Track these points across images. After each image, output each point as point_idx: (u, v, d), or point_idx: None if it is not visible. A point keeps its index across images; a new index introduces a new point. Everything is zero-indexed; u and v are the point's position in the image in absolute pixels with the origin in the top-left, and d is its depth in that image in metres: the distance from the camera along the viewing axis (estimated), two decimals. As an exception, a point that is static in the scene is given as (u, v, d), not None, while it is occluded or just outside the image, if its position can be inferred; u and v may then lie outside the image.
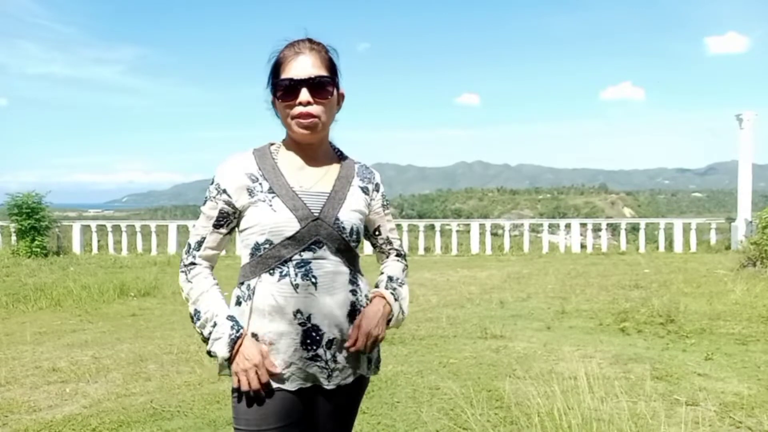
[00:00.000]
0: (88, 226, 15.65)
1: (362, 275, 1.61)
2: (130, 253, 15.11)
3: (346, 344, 1.49)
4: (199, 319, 1.47)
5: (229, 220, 1.52)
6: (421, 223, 16.34)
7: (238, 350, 1.43)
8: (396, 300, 1.61)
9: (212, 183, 1.52)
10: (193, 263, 1.52)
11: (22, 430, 3.43)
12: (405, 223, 15.98)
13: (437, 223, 16.08)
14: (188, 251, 1.53)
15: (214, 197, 1.50)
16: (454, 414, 3.51)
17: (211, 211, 1.51)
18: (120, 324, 6.64)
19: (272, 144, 1.58)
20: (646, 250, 14.94)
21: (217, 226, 1.51)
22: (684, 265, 11.43)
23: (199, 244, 1.52)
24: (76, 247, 15.14)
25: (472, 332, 5.76)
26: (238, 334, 1.44)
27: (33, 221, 13.85)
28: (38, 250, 13.82)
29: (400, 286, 1.64)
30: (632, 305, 6.92)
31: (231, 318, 1.46)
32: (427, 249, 15.66)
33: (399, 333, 5.69)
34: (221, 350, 1.43)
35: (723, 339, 5.40)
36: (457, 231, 16.08)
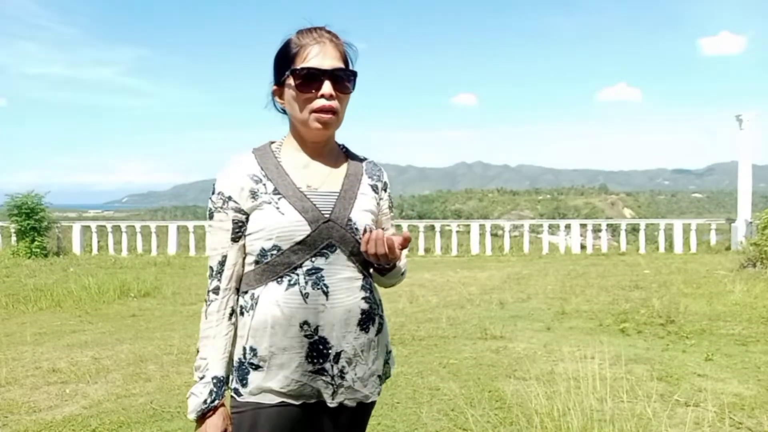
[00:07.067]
0: (88, 226, 15.64)
1: (374, 284, 1.50)
2: (130, 253, 15.10)
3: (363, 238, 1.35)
4: (197, 359, 1.39)
5: (245, 229, 1.39)
6: (421, 224, 16.34)
7: (206, 419, 1.35)
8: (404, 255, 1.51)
9: (214, 193, 1.39)
10: (217, 288, 1.38)
11: (22, 430, 3.44)
12: (405, 224, 15.99)
13: (437, 224, 16.07)
14: (211, 274, 1.39)
15: (221, 207, 1.38)
16: (454, 415, 3.51)
17: (223, 224, 1.38)
18: (120, 325, 6.64)
19: (272, 143, 1.46)
20: (646, 250, 14.93)
21: (235, 239, 1.38)
22: (684, 266, 11.43)
23: (222, 264, 1.38)
24: (76, 248, 15.13)
25: (472, 333, 5.76)
26: (212, 404, 1.35)
27: (33, 222, 13.86)
28: (38, 250, 13.82)
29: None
30: (632, 306, 6.93)
31: (217, 381, 1.35)
32: (427, 250, 15.66)
33: (399, 334, 5.69)
34: (191, 409, 1.36)
35: (723, 340, 5.40)
36: (457, 232, 16.07)
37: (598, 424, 2.91)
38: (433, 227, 16.03)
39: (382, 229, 1.49)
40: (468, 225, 16.64)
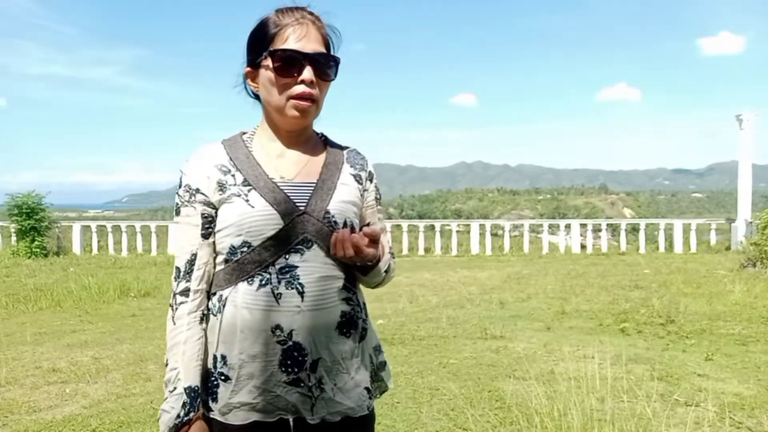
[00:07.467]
0: (88, 226, 15.65)
1: (358, 284, 1.35)
2: (130, 253, 15.10)
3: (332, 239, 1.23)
4: (166, 372, 1.25)
5: (215, 225, 1.26)
6: (421, 224, 16.34)
7: None
8: (388, 251, 1.37)
9: (180, 186, 1.28)
10: (186, 290, 1.25)
11: (22, 430, 3.43)
12: (405, 224, 15.99)
13: (437, 224, 16.08)
14: (178, 276, 1.26)
15: (188, 201, 1.26)
16: (454, 414, 3.51)
17: (191, 219, 1.26)
18: (120, 324, 6.64)
19: (244, 133, 1.34)
20: (646, 250, 14.94)
21: (206, 235, 1.26)
22: (684, 266, 11.43)
23: (191, 263, 1.25)
24: (76, 248, 15.14)
25: (472, 333, 5.76)
26: (186, 418, 1.20)
27: (33, 222, 13.87)
28: (38, 250, 13.83)
29: (389, 252, 1.40)
30: (632, 306, 6.93)
31: (190, 392, 1.21)
32: (427, 249, 15.66)
33: (399, 334, 5.69)
34: (162, 429, 1.22)
35: (723, 339, 5.40)
36: (457, 231, 16.08)
37: (598, 424, 2.91)
38: (433, 227, 16.03)
39: (368, 223, 1.36)
40: (468, 225, 16.65)
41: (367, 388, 1.33)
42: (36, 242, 13.91)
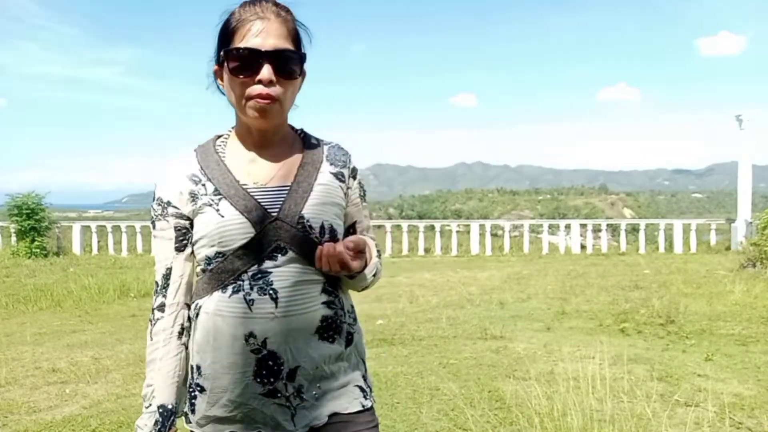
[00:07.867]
0: (88, 226, 15.65)
1: (342, 287, 1.28)
2: (130, 253, 15.10)
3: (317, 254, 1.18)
4: (143, 387, 1.25)
5: (191, 236, 1.24)
6: (421, 224, 16.34)
7: None
8: (376, 256, 1.30)
9: (154, 199, 1.25)
10: (162, 305, 1.24)
11: (22, 430, 3.44)
12: (405, 224, 15.98)
13: (437, 224, 16.07)
14: (156, 290, 1.26)
15: (161, 215, 1.24)
16: (454, 415, 3.51)
17: (165, 232, 1.24)
18: (120, 325, 6.64)
19: (219, 137, 1.29)
20: (646, 250, 14.93)
21: (180, 248, 1.24)
22: (684, 266, 11.43)
23: (167, 277, 1.24)
24: (76, 248, 15.14)
25: (472, 333, 5.76)
26: None
27: (33, 222, 13.87)
28: (38, 250, 13.82)
29: (377, 253, 1.33)
30: (632, 306, 6.93)
31: (163, 411, 1.21)
32: (427, 250, 15.66)
33: (399, 334, 5.69)
34: None
35: (723, 340, 5.40)
36: (457, 232, 16.07)
37: (598, 424, 2.92)
38: (433, 227, 16.03)
39: (354, 222, 1.33)
40: (468, 225, 16.65)
41: (359, 386, 1.27)
42: (36, 242, 13.91)
